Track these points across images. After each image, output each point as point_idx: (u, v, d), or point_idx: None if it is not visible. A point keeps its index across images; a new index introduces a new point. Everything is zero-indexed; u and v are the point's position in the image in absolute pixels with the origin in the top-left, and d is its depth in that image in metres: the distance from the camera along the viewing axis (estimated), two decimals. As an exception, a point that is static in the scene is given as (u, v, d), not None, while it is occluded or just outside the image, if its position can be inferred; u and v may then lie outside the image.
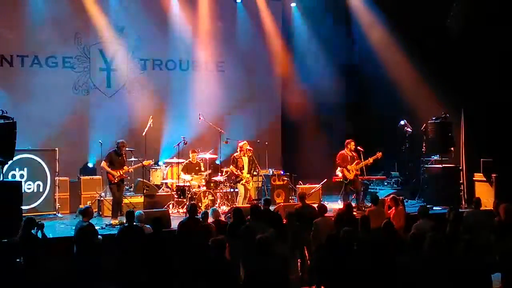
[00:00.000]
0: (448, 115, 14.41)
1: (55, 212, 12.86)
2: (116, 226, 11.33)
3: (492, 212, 10.46)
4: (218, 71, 17.28)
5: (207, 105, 16.11)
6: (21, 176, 12.56)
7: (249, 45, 17.18)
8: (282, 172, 15.17)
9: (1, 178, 11.07)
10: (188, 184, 13.53)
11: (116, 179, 12.15)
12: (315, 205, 10.67)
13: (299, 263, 9.84)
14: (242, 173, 13.39)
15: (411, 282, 6.77)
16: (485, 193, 13.64)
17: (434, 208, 13.27)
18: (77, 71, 15.70)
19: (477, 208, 10.62)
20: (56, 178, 13.02)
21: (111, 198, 12.65)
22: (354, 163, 13.28)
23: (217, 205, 13.10)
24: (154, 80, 16.24)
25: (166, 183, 14.22)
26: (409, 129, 15.55)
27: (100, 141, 14.19)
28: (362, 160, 13.47)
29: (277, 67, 17.74)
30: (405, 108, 15.95)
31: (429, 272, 6.78)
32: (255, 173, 13.98)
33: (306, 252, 9.90)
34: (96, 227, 9.72)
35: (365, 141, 14.09)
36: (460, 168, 14.67)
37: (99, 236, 9.35)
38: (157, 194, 13.80)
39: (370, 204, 11.53)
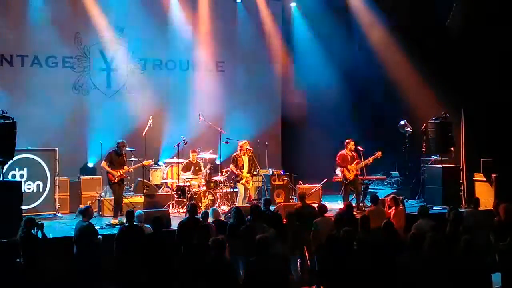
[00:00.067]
0: (448, 115, 14.41)
1: (55, 212, 12.86)
2: (116, 226, 11.33)
3: (491, 212, 10.47)
4: (218, 71, 17.28)
5: (207, 105, 16.11)
6: (21, 176, 12.56)
7: (249, 45, 17.18)
8: (282, 172, 15.17)
9: (1, 178, 11.06)
10: (188, 184, 13.53)
11: (116, 179, 12.16)
12: (315, 205, 10.68)
13: (299, 263, 9.83)
14: (242, 172, 13.39)
15: (411, 282, 6.77)
16: (485, 193, 13.64)
17: (434, 208, 13.28)
18: (77, 71, 15.70)
19: (475, 208, 10.62)
20: (56, 178, 13.02)
21: (112, 198, 12.67)
22: (354, 163, 13.28)
23: (217, 205, 13.09)
24: (154, 80, 16.23)
25: (166, 183, 14.23)
26: (409, 129, 15.54)
27: (100, 141, 14.21)
28: (362, 160, 13.48)
29: (277, 67, 17.75)
30: (405, 108, 15.95)
31: (429, 272, 6.78)
32: (255, 173, 13.97)
33: (306, 252, 9.90)
34: (96, 227, 9.71)
35: (365, 141, 14.09)
36: (460, 168, 14.68)
37: (99, 236, 9.35)
38: (157, 194, 13.80)
39: (370, 204, 11.52)
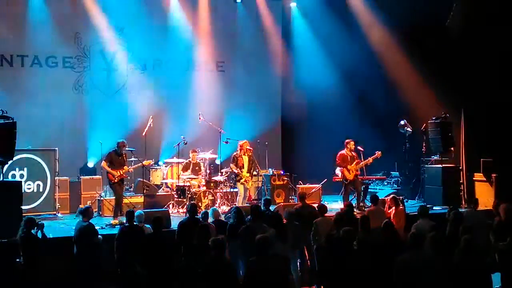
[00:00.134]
0: (448, 115, 14.41)
1: (55, 212, 12.86)
2: (116, 226, 11.33)
3: (490, 212, 10.46)
4: (218, 71, 17.28)
5: (207, 105, 16.11)
6: (21, 176, 12.56)
7: (249, 45, 17.18)
8: (282, 172, 15.17)
9: (1, 178, 11.06)
10: (188, 184, 13.54)
11: (116, 178, 12.17)
12: (315, 205, 10.68)
13: (299, 263, 9.83)
14: (241, 172, 13.39)
15: (411, 282, 6.77)
16: (485, 193, 13.65)
17: (434, 208, 13.28)
18: (77, 71, 15.71)
19: (475, 208, 10.62)
20: (56, 178, 13.02)
21: (111, 198, 12.68)
22: (354, 163, 13.28)
23: (217, 205, 13.09)
24: (154, 80, 16.23)
25: (166, 183, 14.23)
26: (409, 129, 15.55)
27: (100, 141, 14.21)
28: (362, 160, 13.49)
29: (277, 67, 17.75)
30: (405, 108, 15.95)
31: (429, 272, 6.78)
32: (254, 172, 13.98)
33: (306, 252, 9.90)
34: (96, 227, 9.71)
35: (365, 141, 14.09)
36: (460, 168, 14.68)
37: (99, 236, 9.35)
38: (157, 194, 13.81)
39: (370, 204, 11.52)
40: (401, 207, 10.87)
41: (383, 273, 7.18)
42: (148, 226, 9.41)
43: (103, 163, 12.37)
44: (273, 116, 17.58)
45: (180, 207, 13.34)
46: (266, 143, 15.32)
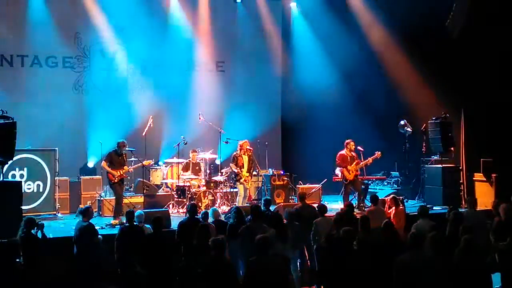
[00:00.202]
0: (448, 115, 14.41)
1: (55, 212, 12.86)
2: (116, 226, 11.33)
3: (490, 212, 10.45)
4: (218, 71, 17.29)
5: (207, 105, 16.12)
6: (21, 176, 12.56)
7: (249, 45, 17.18)
8: (282, 172, 15.17)
9: (1, 178, 11.06)
10: (188, 184, 13.54)
11: (116, 178, 12.17)
12: (315, 205, 10.68)
13: (299, 263, 9.83)
14: (241, 171, 13.39)
15: (411, 282, 6.77)
16: (485, 193, 13.65)
17: (434, 208, 13.28)
18: (77, 71, 15.72)
19: (473, 208, 10.62)
20: (56, 178, 13.02)
21: (111, 198, 12.68)
22: (354, 163, 13.28)
23: (217, 205, 13.10)
24: (154, 80, 16.22)
25: (166, 183, 14.23)
26: (409, 129, 15.55)
27: (100, 141, 14.21)
28: (362, 160, 13.50)
29: (277, 67, 17.75)
30: (405, 108, 15.95)
31: (429, 272, 6.77)
32: (254, 172, 13.99)
33: (306, 252, 9.90)
34: (96, 227, 9.71)
35: (365, 141, 14.09)
36: (460, 168, 14.68)
37: (99, 236, 9.35)
38: (157, 194, 13.81)
39: (370, 204, 11.53)
40: (401, 207, 10.87)
41: (383, 273, 7.18)
42: (148, 226, 9.41)
43: (103, 163, 12.37)
44: (273, 116, 17.58)
45: (180, 207, 13.34)
46: (266, 143, 15.32)
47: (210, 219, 9.68)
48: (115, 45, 15.91)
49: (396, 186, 15.86)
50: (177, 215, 12.72)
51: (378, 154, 13.56)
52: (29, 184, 12.70)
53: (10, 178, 12.14)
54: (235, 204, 12.85)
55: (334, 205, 13.31)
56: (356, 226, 8.64)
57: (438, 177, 14.27)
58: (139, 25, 15.79)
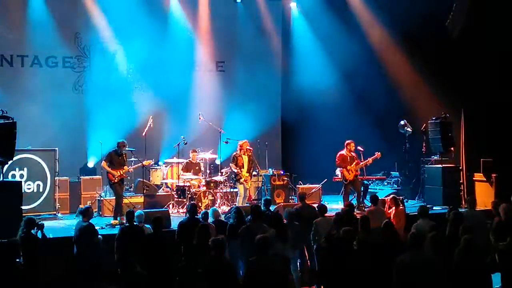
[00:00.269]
0: (448, 115, 14.41)
1: (55, 212, 12.86)
2: (116, 226, 11.33)
3: (490, 212, 10.45)
4: (218, 71, 17.30)
5: (207, 105, 16.12)
6: (21, 176, 12.55)
7: (249, 45, 17.18)
8: (282, 172, 15.17)
9: (1, 178, 11.06)
10: (188, 184, 13.54)
11: (116, 178, 12.16)
12: (315, 205, 10.68)
13: (299, 263, 9.83)
14: (241, 171, 13.39)
15: (411, 282, 6.77)
16: (485, 193, 13.64)
17: (434, 208, 13.28)
18: (77, 71, 15.73)
19: (472, 208, 10.62)
20: (56, 178, 13.02)
21: (111, 198, 12.67)
22: (354, 163, 13.28)
23: (217, 205, 13.10)
24: (154, 80, 16.22)
25: (166, 183, 14.23)
26: (409, 129, 15.55)
27: (100, 141, 14.22)
28: (362, 160, 13.50)
29: (277, 67, 17.75)
30: (405, 108, 15.96)
31: (429, 272, 6.77)
32: (254, 172, 13.99)
33: (306, 252, 9.90)
34: (96, 227, 9.71)
35: (365, 141, 14.10)
36: (460, 168, 14.68)
37: (99, 236, 9.35)
38: (157, 194, 13.81)
39: (370, 204, 11.53)
40: (401, 207, 10.87)
41: (383, 273, 7.18)
42: (148, 226, 9.41)
43: (103, 163, 12.37)
44: (273, 116, 17.58)
45: (180, 207, 13.34)
46: (266, 143, 15.32)
47: (210, 219, 9.67)
48: (115, 45, 15.91)
49: (396, 186, 15.86)
50: (177, 215, 12.72)
51: (378, 154, 13.57)
52: (29, 184, 12.69)
53: (10, 178, 12.12)
54: (235, 204, 12.85)
55: (334, 205, 13.31)
56: (356, 226, 8.64)
57: (438, 177, 14.26)
58: (139, 25, 15.77)
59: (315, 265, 9.26)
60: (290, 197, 14.72)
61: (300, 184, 15.00)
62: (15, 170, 12.47)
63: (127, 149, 12.63)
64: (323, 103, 16.85)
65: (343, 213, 9.68)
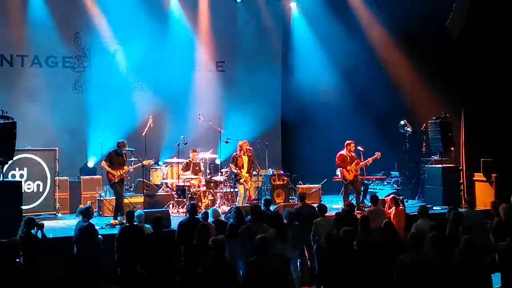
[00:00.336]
0: (448, 115, 14.41)
1: (55, 212, 12.85)
2: (116, 226, 11.33)
3: (489, 212, 10.45)
4: (218, 71, 17.30)
5: (207, 105, 16.13)
6: (21, 176, 12.54)
7: (249, 45, 17.19)
8: (282, 172, 15.17)
9: (1, 178, 11.05)
10: (188, 184, 13.54)
11: (116, 178, 12.16)
12: (315, 205, 10.68)
13: (299, 263, 9.83)
14: (241, 172, 13.39)
15: (411, 282, 6.77)
16: (485, 193, 13.64)
17: (434, 208, 13.28)
18: (77, 71, 15.73)
19: (471, 208, 10.61)
20: (56, 178, 13.01)
21: (112, 198, 12.68)
22: (354, 163, 13.28)
23: (217, 205, 13.10)
24: (154, 80, 16.22)
25: (166, 183, 14.23)
26: (409, 129, 15.55)
27: (100, 141, 14.22)
28: (362, 160, 13.50)
29: (277, 67, 17.75)
30: (405, 108, 15.95)
31: (429, 272, 6.77)
32: (254, 172, 13.99)
33: (306, 252, 9.90)
34: (96, 227, 9.71)
35: (365, 141, 14.10)
36: (460, 168, 14.67)
37: (99, 236, 9.35)
38: (157, 194, 13.81)
39: (370, 204, 11.53)
40: (401, 207, 10.87)
41: (383, 273, 7.18)
42: (148, 226, 9.40)
43: (103, 163, 12.37)
44: (273, 116, 17.59)
45: (180, 207, 13.34)
46: (266, 143, 15.31)
47: (210, 219, 9.67)
48: (115, 45, 15.91)
49: (396, 186, 15.85)
50: (177, 215, 12.72)
51: (378, 154, 13.57)
52: (29, 184, 12.69)
53: (10, 178, 12.12)
54: (235, 204, 12.85)
55: (334, 205, 13.31)
56: (356, 226, 8.64)
57: (438, 177, 14.26)
58: (139, 25, 15.77)
59: (315, 265, 9.25)
60: (290, 197, 14.72)
61: (300, 184, 15.00)
62: (15, 170, 12.47)
63: (127, 149, 12.63)
64: (323, 103, 16.86)
65: (343, 213, 9.68)
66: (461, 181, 14.52)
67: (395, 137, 15.89)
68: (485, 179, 13.97)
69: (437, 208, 13.34)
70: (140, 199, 13.21)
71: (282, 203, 13.36)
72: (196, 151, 14.17)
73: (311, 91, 16.93)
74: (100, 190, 13.48)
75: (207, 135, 15.29)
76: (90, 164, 15.28)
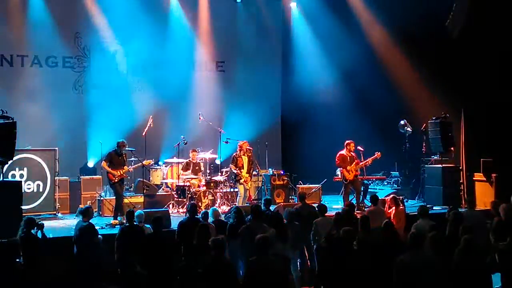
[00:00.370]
0: (448, 115, 14.41)
1: (55, 212, 12.85)
2: (116, 226, 11.33)
3: (489, 212, 10.45)
4: (218, 71, 17.30)
5: (207, 105, 16.13)
6: (21, 176, 12.54)
7: (249, 45, 17.19)
8: (282, 172, 15.17)
9: (1, 178, 11.05)
10: (188, 184, 13.54)
11: (116, 178, 12.16)
12: (315, 205, 10.67)
13: (299, 263, 9.83)
14: (241, 172, 13.39)
15: (411, 282, 6.77)
16: (485, 193, 13.64)
17: (434, 208, 13.28)
18: (77, 71, 15.73)
19: (471, 208, 10.60)
20: (56, 178, 13.01)
21: (112, 198, 12.68)
22: (354, 163, 13.28)
23: (217, 205, 13.09)
24: (154, 80, 16.21)
25: (166, 183, 14.23)
26: (409, 129, 15.56)
27: (100, 141, 14.22)
28: (362, 160, 13.50)
29: (277, 67, 17.75)
30: (405, 108, 15.96)
31: (429, 272, 6.77)
32: (254, 172, 13.99)
33: (306, 252, 9.90)
34: (96, 227, 9.71)
35: (365, 141, 14.10)
36: (460, 168, 14.67)
37: (99, 236, 9.35)
38: (157, 194, 13.80)
39: (370, 204, 11.53)
40: (401, 207, 10.87)
41: (383, 273, 7.18)
42: (148, 226, 9.40)
43: (103, 163, 12.37)
44: (273, 116, 17.59)
45: (180, 207, 13.34)
46: (266, 143, 15.32)
47: (210, 219, 9.67)
48: (115, 45, 15.91)
49: (396, 186, 15.86)
50: (177, 215, 12.71)
51: (378, 154, 13.57)
52: (29, 184, 12.68)
53: (10, 178, 12.12)
54: (235, 204, 12.85)
55: (334, 205, 13.31)
56: (356, 226, 8.64)
57: (438, 177, 14.27)
58: (139, 25, 15.78)
59: (315, 265, 9.25)
60: (290, 197, 14.72)
61: (300, 184, 15.00)
62: (15, 170, 12.46)
63: (127, 149, 12.63)
64: (323, 103, 16.87)
65: (343, 213, 9.67)
66: (461, 181, 14.52)
67: (395, 137, 15.89)
68: (485, 179, 13.97)
69: (437, 208, 13.34)
70: (140, 199, 13.21)
71: (282, 203, 13.36)
72: (196, 151, 14.16)
73: (311, 91, 16.94)
74: (100, 190, 13.48)
75: (207, 135, 15.29)
76: (90, 164, 15.28)
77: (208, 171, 14.38)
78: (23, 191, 11.20)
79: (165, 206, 13.01)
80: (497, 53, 14.02)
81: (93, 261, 8.99)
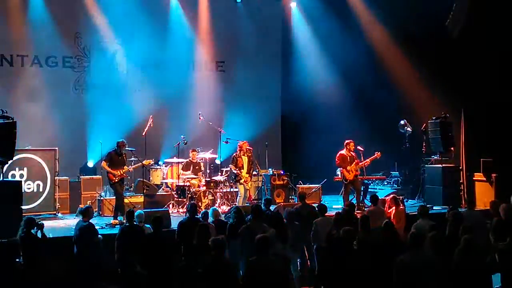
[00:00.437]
0: (448, 115, 14.41)
1: (55, 212, 12.85)
2: (116, 226, 11.33)
3: (489, 212, 10.45)
4: (218, 71, 17.30)
5: (207, 105, 16.12)
6: (21, 176, 12.54)
7: (249, 45, 17.18)
8: (282, 172, 15.17)
9: (1, 178, 11.06)
10: (188, 183, 13.54)
11: (117, 178, 12.16)
12: (315, 205, 10.67)
13: (299, 263, 9.83)
14: (241, 172, 13.39)
15: (411, 282, 6.77)
16: (485, 193, 13.64)
17: (434, 208, 13.28)
18: (77, 71, 15.72)
19: (471, 208, 10.60)
20: (56, 178, 13.01)
21: (112, 197, 12.68)
22: (353, 163, 13.29)
23: (217, 205, 13.10)
24: (154, 80, 16.20)
25: (166, 183, 14.23)
26: (409, 129, 15.56)
27: (100, 141, 14.22)
28: (362, 160, 13.51)
29: (277, 67, 17.75)
30: (405, 108, 15.96)
31: (429, 272, 6.77)
32: (254, 172, 13.99)
33: (306, 252, 9.90)
34: (96, 227, 9.71)
35: (365, 141, 14.10)
36: (460, 168, 14.67)
37: (99, 236, 9.35)
38: (157, 194, 13.81)
39: (370, 204, 11.53)
40: (401, 207, 10.87)
41: (383, 273, 7.18)
42: (148, 226, 9.40)
43: (103, 163, 12.37)
44: (273, 116, 17.58)
45: (180, 207, 13.34)
46: (266, 143, 15.32)
47: (210, 219, 9.68)
48: (115, 45, 15.91)
49: (396, 186, 15.86)
50: (177, 215, 12.72)
51: (377, 154, 13.58)
52: (29, 184, 12.69)
53: (10, 178, 12.12)
54: (235, 204, 12.85)
55: (334, 205, 13.31)
56: (356, 226, 8.64)
57: (438, 177, 14.27)
58: (139, 25, 15.77)
59: (315, 265, 9.26)
60: (290, 197, 14.73)
61: (300, 184, 15.00)
62: (15, 170, 12.46)
63: (127, 149, 12.63)
64: (323, 103, 16.87)
65: (343, 213, 9.68)
66: (461, 181, 14.52)
67: (395, 137, 15.89)
68: (485, 179, 13.97)
69: (437, 208, 13.34)
70: (140, 199, 13.21)
71: (282, 203, 13.36)
72: (196, 151, 14.17)
73: (311, 91, 16.94)
74: (100, 190, 13.48)
75: (207, 135, 15.29)
76: (90, 164, 15.27)
77: (208, 171, 14.38)
78: (23, 191, 11.21)
79: (165, 206, 13.01)
80: (497, 53, 14.02)
81: (93, 261, 8.99)
